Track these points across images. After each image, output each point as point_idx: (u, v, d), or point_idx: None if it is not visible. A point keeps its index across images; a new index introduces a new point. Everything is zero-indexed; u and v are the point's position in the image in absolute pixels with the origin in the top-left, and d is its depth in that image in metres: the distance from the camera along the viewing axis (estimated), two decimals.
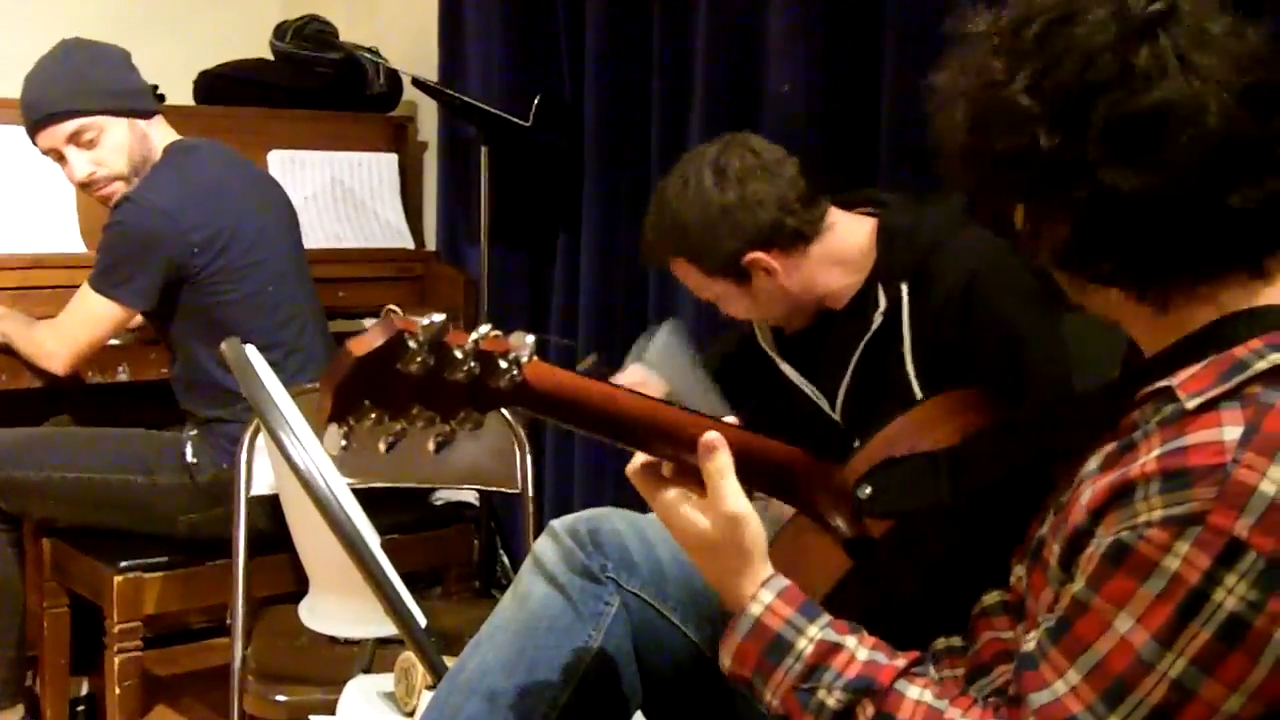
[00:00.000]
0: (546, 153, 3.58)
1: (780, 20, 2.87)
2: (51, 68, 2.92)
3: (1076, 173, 1.21)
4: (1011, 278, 2.09)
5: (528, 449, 2.74)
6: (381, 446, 1.22)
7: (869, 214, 2.27)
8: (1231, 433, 1.14)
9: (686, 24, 3.11)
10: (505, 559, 3.69)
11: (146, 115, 2.98)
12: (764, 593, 1.36)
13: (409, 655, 2.04)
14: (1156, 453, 1.17)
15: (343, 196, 3.90)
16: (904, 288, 2.14)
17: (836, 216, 2.25)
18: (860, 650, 1.32)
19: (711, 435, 1.34)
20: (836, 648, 1.32)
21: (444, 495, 3.38)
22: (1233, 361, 1.20)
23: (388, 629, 2.15)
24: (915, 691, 1.29)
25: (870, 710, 1.29)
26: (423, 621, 1.80)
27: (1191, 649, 1.13)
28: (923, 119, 2.51)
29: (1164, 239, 1.23)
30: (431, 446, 1.23)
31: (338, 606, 2.31)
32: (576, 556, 1.55)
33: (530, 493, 2.75)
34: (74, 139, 2.88)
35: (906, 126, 2.61)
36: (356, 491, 2.11)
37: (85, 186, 2.95)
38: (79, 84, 2.89)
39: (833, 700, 1.30)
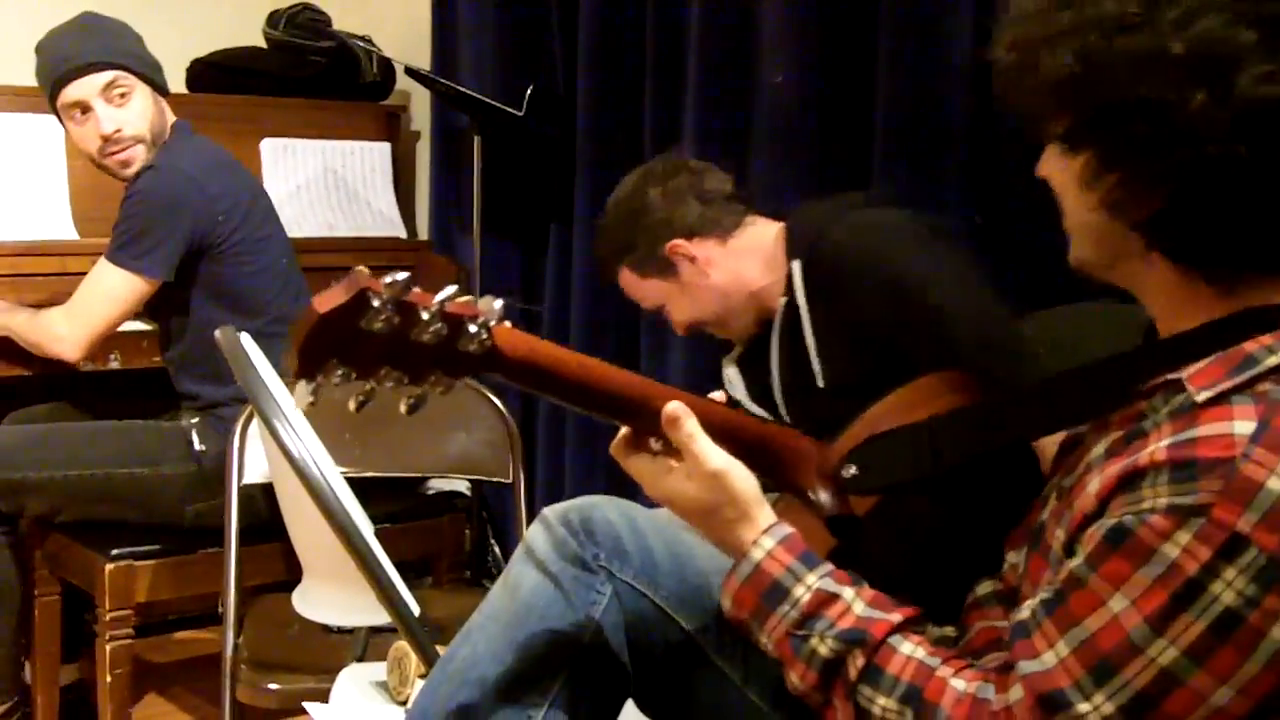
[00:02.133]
0: (539, 143, 3.58)
1: (774, 9, 2.87)
2: (80, 29, 2.95)
3: (1211, 138, 1.17)
4: (898, 235, 2.14)
5: (519, 439, 2.74)
6: (351, 405, 1.22)
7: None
8: (1243, 427, 1.14)
9: (680, 14, 3.10)
10: (496, 549, 3.69)
11: (163, 93, 3.01)
12: (766, 539, 1.39)
13: (402, 644, 2.04)
14: (1166, 442, 1.17)
15: (335, 185, 3.90)
16: (795, 266, 2.20)
17: (755, 219, 2.36)
18: (857, 603, 1.34)
19: (673, 406, 1.37)
20: (833, 597, 1.34)
21: (435, 485, 3.38)
22: (1242, 356, 1.20)
23: (381, 618, 2.16)
24: (908, 647, 1.31)
25: (860, 661, 1.31)
26: (416, 610, 1.81)
27: (1184, 639, 1.14)
28: (917, 107, 2.55)
29: (1266, 224, 1.22)
30: (403, 408, 1.24)
31: (331, 595, 2.31)
32: (569, 545, 1.55)
33: (522, 483, 2.75)
34: (106, 91, 2.89)
35: (901, 115, 2.61)
36: (349, 480, 2.11)
37: (108, 140, 2.91)
38: (116, 43, 2.94)
39: (824, 648, 1.32)
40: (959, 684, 1.27)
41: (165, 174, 2.89)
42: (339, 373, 1.18)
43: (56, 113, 2.97)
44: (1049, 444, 1.49)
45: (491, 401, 2.74)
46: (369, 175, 3.97)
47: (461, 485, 3.44)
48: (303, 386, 1.19)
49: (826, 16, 2.77)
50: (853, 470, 1.48)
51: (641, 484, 1.44)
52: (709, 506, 1.39)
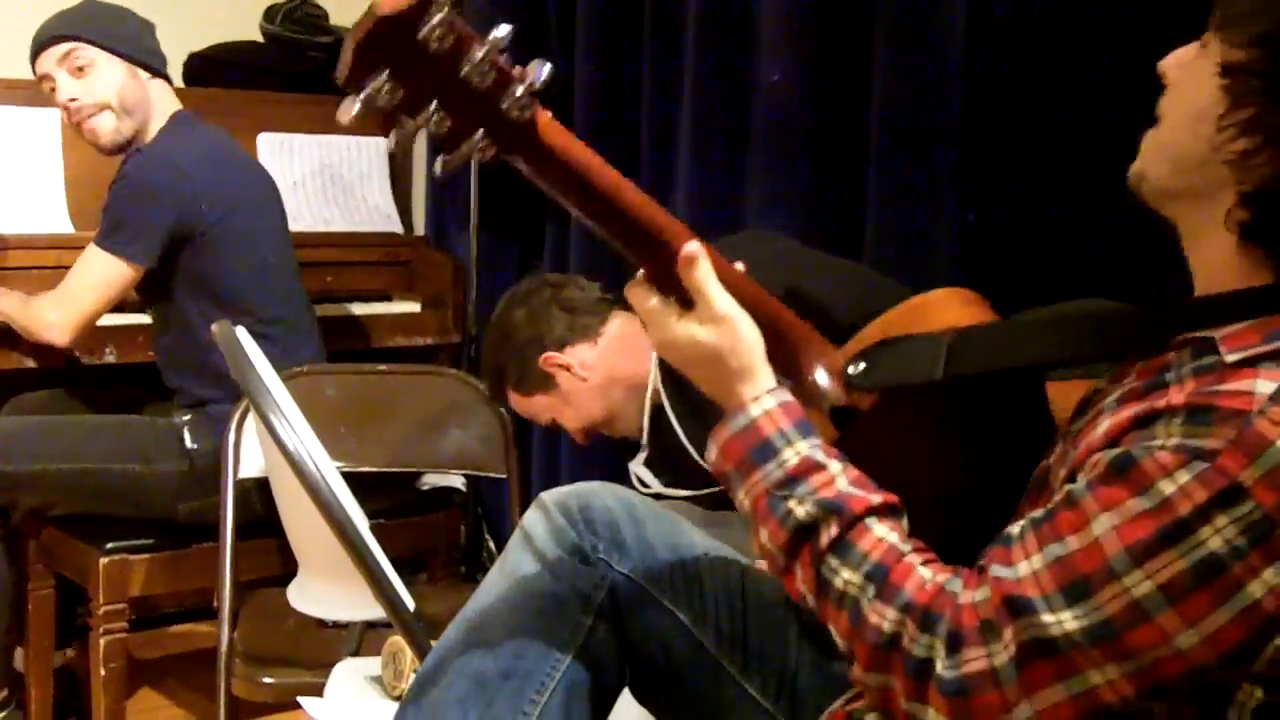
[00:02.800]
0: None
1: (771, 8, 2.87)
2: (65, 9, 3.00)
3: None
4: None
5: (514, 434, 2.74)
6: (392, 139, 1.23)
7: None
8: (1265, 386, 1.15)
9: (677, 12, 3.10)
10: (491, 544, 3.70)
11: (150, 71, 3.01)
12: (767, 398, 1.38)
13: (397, 639, 2.04)
14: (1189, 391, 1.18)
15: (332, 180, 3.90)
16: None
17: (619, 313, 2.47)
18: (841, 478, 1.34)
19: (692, 245, 1.37)
20: (819, 466, 1.34)
21: (431, 480, 3.38)
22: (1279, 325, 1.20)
23: (376, 612, 2.15)
24: (882, 529, 1.30)
25: (834, 530, 1.30)
26: (411, 605, 1.81)
27: (1161, 575, 1.13)
28: (914, 105, 2.55)
29: None
30: (438, 168, 1.25)
31: (326, 589, 2.31)
32: (567, 534, 1.55)
33: (516, 478, 2.75)
34: (64, 62, 2.92)
35: (896, 113, 2.61)
36: (345, 475, 2.11)
37: (70, 112, 2.96)
38: (78, 17, 2.97)
39: (801, 511, 1.32)
40: (925, 572, 1.27)
41: (151, 160, 2.90)
42: (386, 89, 1.17)
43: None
44: (1064, 408, 1.49)
45: (487, 399, 2.74)
46: (366, 171, 3.97)
47: (457, 480, 3.44)
48: (350, 98, 1.17)
49: (823, 14, 2.77)
50: (861, 366, 1.47)
51: (648, 324, 1.43)
52: (712, 353, 1.38)
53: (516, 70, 1.23)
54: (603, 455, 2.90)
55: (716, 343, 1.38)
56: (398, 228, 4.00)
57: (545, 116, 1.26)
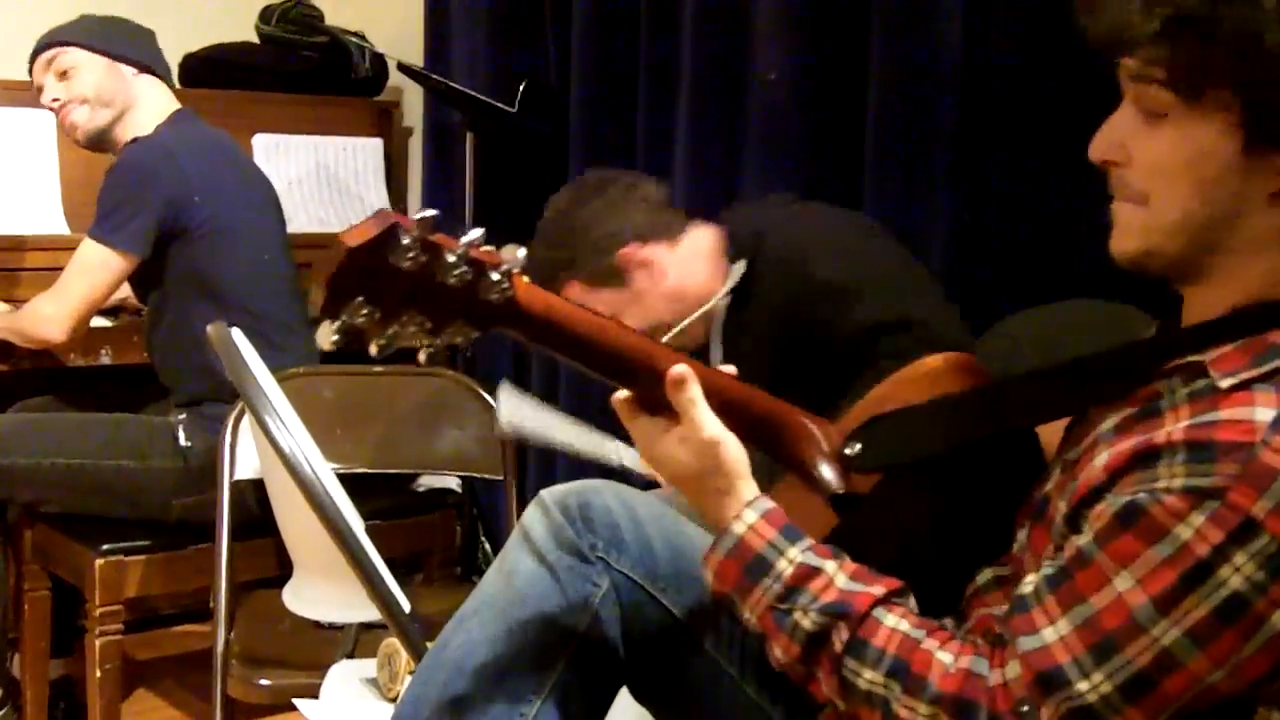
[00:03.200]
0: (532, 139, 3.57)
1: (767, 6, 2.87)
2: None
3: None
4: (832, 232, 2.21)
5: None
6: (373, 350, 1.21)
7: None
8: (1264, 414, 1.15)
9: (673, 10, 3.10)
10: (487, 545, 3.69)
11: (137, 67, 3.02)
12: (748, 512, 1.39)
13: (392, 640, 2.04)
14: (1185, 423, 1.18)
15: (327, 181, 3.90)
16: (739, 267, 2.20)
17: (695, 224, 2.34)
18: (839, 576, 1.34)
19: (679, 368, 1.37)
20: (816, 571, 1.34)
21: (427, 481, 3.38)
22: (1267, 346, 1.20)
23: (371, 614, 2.15)
24: (892, 620, 1.31)
25: (845, 634, 1.31)
26: (407, 607, 1.80)
27: (1188, 620, 1.14)
28: (909, 103, 2.55)
29: None
30: (422, 357, 1.24)
31: (322, 591, 2.31)
32: (566, 533, 1.54)
33: (513, 479, 2.75)
34: (50, 67, 2.98)
35: (891, 113, 2.61)
36: (340, 476, 2.11)
37: (57, 114, 3.01)
38: (69, 25, 3.01)
39: (808, 622, 1.32)
40: (946, 657, 1.27)
41: (144, 147, 2.92)
42: (364, 312, 1.17)
43: None
44: (1051, 429, 1.49)
45: (483, 397, 2.74)
46: (361, 171, 3.97)
47: (452, 482, 3.44)
48: (327, 326, 1.18)
49: (819, 14, 2.77)
50: (856, 448, 1.48)
51: (637, 443, 1.44)
52: (698, 473, 1.40)
53: (492, 256, 1.21)
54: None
55: (703, 465, 1.39)
56: None
57: (524, 288, 1.25)
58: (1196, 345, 1.25)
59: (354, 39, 3.97)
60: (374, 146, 4.01)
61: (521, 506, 2.69)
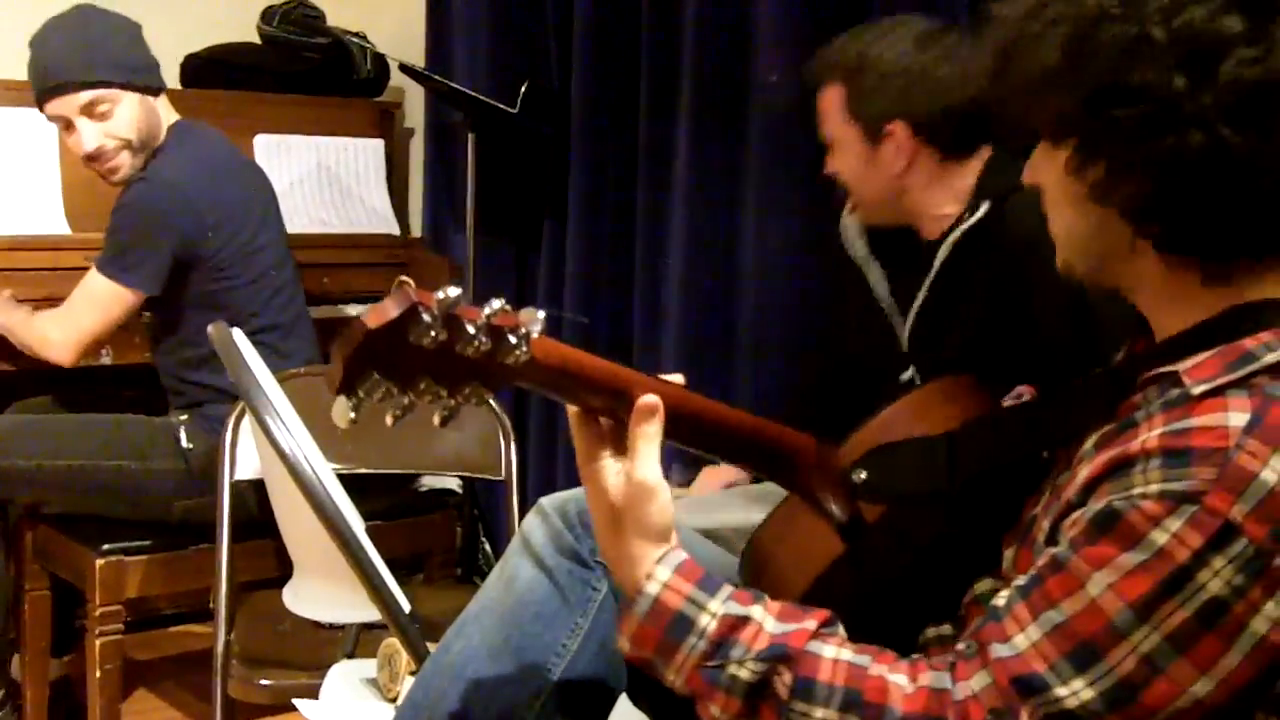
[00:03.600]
0: (533, 140, 3.58)
1: (768, 9, 2.88)
2: (67, 35, 2.88)
3: (1195, 122, 1.18)
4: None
5: (512, 436, 2.74)
6: (389, 420, 1.20)
7: None
8: (1237, 419, 1.15)
9: (675, 12, 3.11)
10: (487, 546, 3.70)
11: (155, 93, 2.97)
12: (660, 569, 1.29)
13: (392, 641, 2.04)
14: (1159, 431, 1.17)
15: (329, 182, 3.90)
16: (983, 208, 2.13)
17: (980, 155, 2.20)
18: (768, 620, 1.28)
19: (650, 398, 1.28)
20: (743, 620, 1.27)
21: (427, 481, 3.38)
22: (1241, 352, 1.20)
23: (371, 614, 2.15)
24: (831, 650, 1.26)
25: (788, 677, 1.24)
26: (407, 607, 1.81)
27: (1167, 626, 1.13)
28: None
29: (1252, 209, 1.22)
30: (437, 420, 1.22)
31: (322, 591, 2.31)
32: (565, 539, 1.54)
33: (514, 480, 2.75)
34: (87, 110, 2.86)
35: None
36: (341, 477, 2.11)
37: (92, 159, 2.91)
38: (96, 54, 2.86)
39: (745, 673, 1.25)
40: (899, 679, 1.24)
41: (153, 186, 2.86)
42: (380, 389, 1.17)
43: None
44: None
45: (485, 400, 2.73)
46: (362, 172, 3.97)
47: (453, 482, 3.44)
48: (342, 402, 1.17)
49: (820, 16, 2.77)
50: (863, 475, 1.45)
51: (577, 450, 1.34)
52: (616, 511, 1.30)
53: (509, 319, 1.19)
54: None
55: (625, 504, 1.29)
56: (394, 229, 4.00)
57: (539, 347, 1.21)
58: (1172, 355, 1.25)
59: (355, 40, 3.98)
60: (375, 147, 4.00)
61: (522, 507, 2.69)
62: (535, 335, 1.19)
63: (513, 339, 1.18)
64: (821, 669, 1.24)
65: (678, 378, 1.36)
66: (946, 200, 2.21)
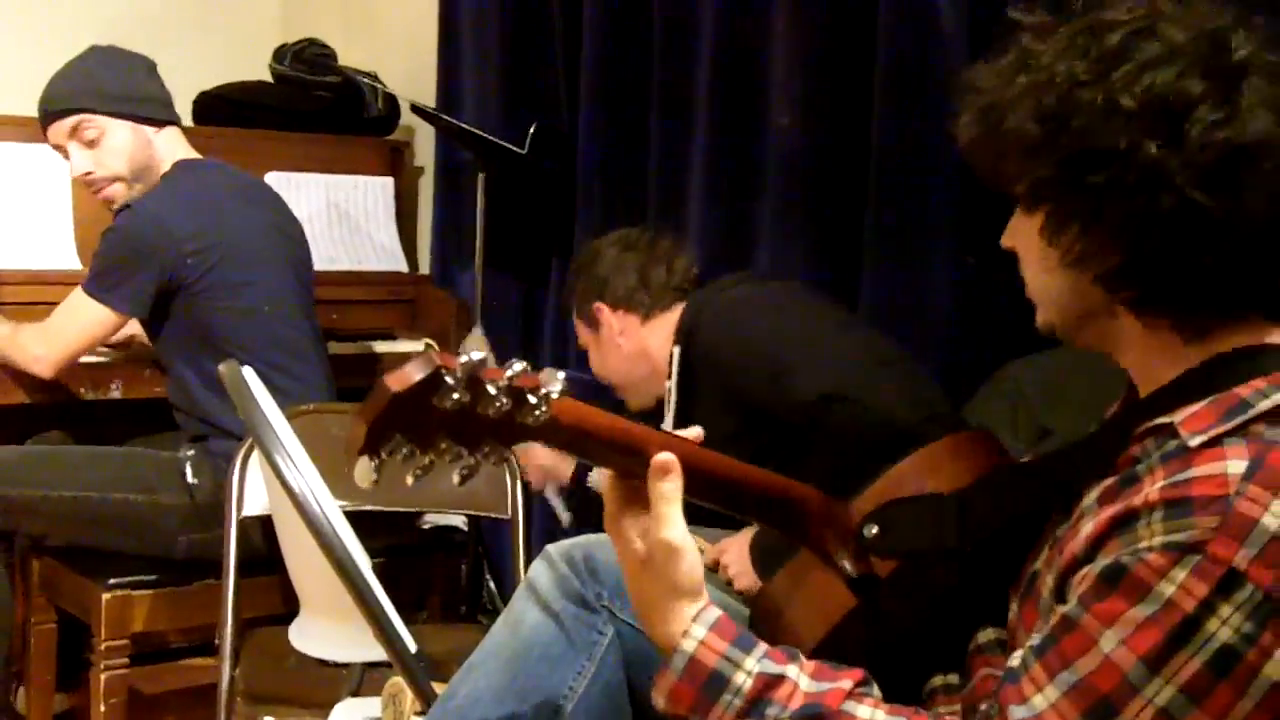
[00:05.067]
0: (542, 180, 3.60)
1: (779, 51, 2.89)
2: (68, 68, 3.00)
3: (1165, 185, 1.21)
4: (754, 308, 2.42)
5: (519, 475, 2.75)
6: (409, 480, 1.22)
7: None
8: (1236, 466, 1.16)
9: (686, 56, 3.12)
10: (492, 585, 3.69)
11: (156, 124, 3.01)
12: (696, 628, 1.31)
13: (397, 680, 2.04)
14: (1160, 484, 1.18)
15: (338, 219, 3.92)
16: (675, 351, 2.47)
17: (677, 307, 2.58)
18: (803, 679, 1.30)
19: (665, 456, 1.30)
20: (778, 679, 1.29)
21: (432, 519, 3.39)
22: (1236, 400, 1.21)
23: (376, 653, 2.16)
24: (865, 711, 1.28)
25: None
26: (413, 647, 1.81)
27: (1180, 677, 1.14)
28: (911, 150, 2.57)
29: (1226, 267, 1.24)
30: (456, 479, 1.24)
31: (328, 629, 2.31)
32: (571, 583, 1.56)
33: (521, 519, 2.75)
34: (75, 134, 2.94)
35: (895, 158, 2.64)
36: (346, 513, 2.12)
37: (88, 185, 3.00)
38: (85, 83, 2.96)
39: None
40: None
41: (136, 216, 2.92)
42: (403, 450, 1.18)
43: None
44: None
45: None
46: (372, 209, 3.99)
47: (458, 520, 3.44)
48: (364, 463, 1.18)
49: (830, 60, 2.79)
50: (874, 531, 1.46)
51: (605, 510, 1.37)
52: (646, 571, 1.32)
53: (530, 380, 1.21)
54: None
55: (652, 564, 1.31)
56: (403, 266, 4.02)
57: (560, 408, 1.23)
58: (1165, 407, 1.26)
59: (367, 79, 4.00)
60: (385, 185, 4.03)
61: (529, 545, 2.71)
62: (555, 396, 1.21)
63: (532, 399, 1.19)
64: None
65: (696, 432, 1.37)
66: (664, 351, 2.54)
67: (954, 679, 1.49)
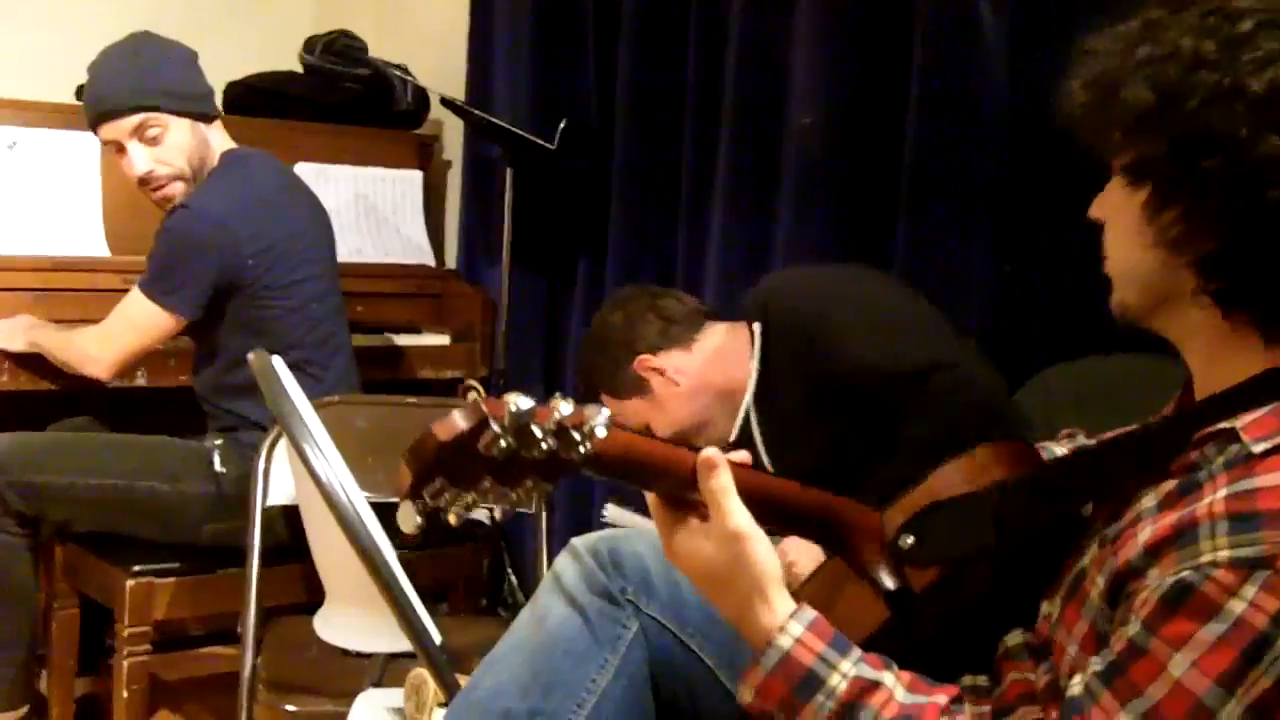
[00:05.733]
0: (571, 176, 3.59)
1: (807, 51, 2.89)
2: (121, 61, 2.94)
3: (1277, 181, 1.19)
4: (832, 284, 2.40)
5: None
6: (452, 519, 1.22)
7: None
8: None
9: (717, 56, 3.12)
10: (513, 578, 3.69)
11: (208, 119, 3.02)
12: (793, 624, 1.31)
13: (420, 671, 2.04)
14: (1224, 493, 1.16)
15: (366, 211, 3.92)
16: (756, 328, 2.40)
17: (713, 324, 2.54)
18: (898, 688, 1.29)
19: (710, 452, 1.30)
20: (874, 685, 1.28)
21: None
22: None
23: (400, 644, 2.16)
24: None
25: None
26: (438, 638, 1.81)
27: (1250, 695, 1.12)
28: (946, 152, 2.56)
29: None
30: (498, 515, 1.26)
31: (353, 619, 2.31)
32: (597, 577, 1.55)
33: (544, 512, 2.75)
34: (138, 133, 2.92)
35: (929, 160, 2.62)
36: (372, 506, 2.12)
37: (143, 183, 2.97)
38: (148, 80, 2.92)
39: None
40: None
41: (194, 214, 2.90)
42: (446, 493, 1.19)
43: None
44: None
45: None
46: (399, 202, 3.99)
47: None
48: (409, 507, 1.19)
49: (858, 61, 2.79)
50: (910, 540, 1.44)
51: (661, 537, 1.38)
52: (723, 572, 1.32)
53: (576, 418, 1.20)
54: (630, 491, 2.90)
55: (728, 561, 1.31)
56: (429, 260, 4.03)
57: (603, 442, 1.23)
58: (1228, 411, 1.24)
59: (397, 72, 4.00)
60: (413, 178, 4.03)
61: (551, 540, 2.70)
62: (601, 434, 1.20)
63: (576, 436, 1.20)
64: None
65: (742, 455, 1.37)
66: (727, 365, 2.46)
67: (983, 680, 1.47)
